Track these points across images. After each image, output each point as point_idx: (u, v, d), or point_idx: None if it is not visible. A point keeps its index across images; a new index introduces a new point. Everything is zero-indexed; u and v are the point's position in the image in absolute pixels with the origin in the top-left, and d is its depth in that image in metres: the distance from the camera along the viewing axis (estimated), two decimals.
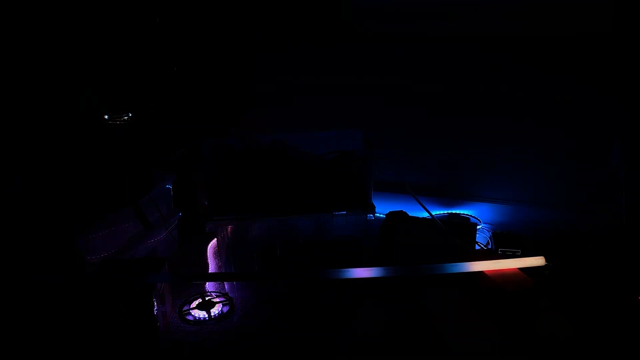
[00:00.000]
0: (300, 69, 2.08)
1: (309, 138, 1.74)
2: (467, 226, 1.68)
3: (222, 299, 1.49)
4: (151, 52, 1.94)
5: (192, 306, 1.46)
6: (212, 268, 1.70)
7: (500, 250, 1.64)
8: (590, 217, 1.78)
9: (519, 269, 1.38)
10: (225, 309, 1.45)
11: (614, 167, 1.73)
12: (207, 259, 1.74)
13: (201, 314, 1.42)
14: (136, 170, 1.62)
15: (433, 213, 1.62)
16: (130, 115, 1.90)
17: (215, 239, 1.73)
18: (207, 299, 1.49)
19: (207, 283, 1.59)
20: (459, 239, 1.57)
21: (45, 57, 1.70)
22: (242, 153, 1.65)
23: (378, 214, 1.79)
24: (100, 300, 1.25)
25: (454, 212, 1.97)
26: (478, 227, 1.88)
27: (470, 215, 1.95)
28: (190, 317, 1.42)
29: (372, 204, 1.55)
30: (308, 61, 2.07)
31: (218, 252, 1.71)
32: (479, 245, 1.75)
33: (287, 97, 2.12)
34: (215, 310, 1.44)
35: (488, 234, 1.85)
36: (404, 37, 1.89)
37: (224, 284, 1.57)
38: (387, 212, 1.82)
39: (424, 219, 1.73)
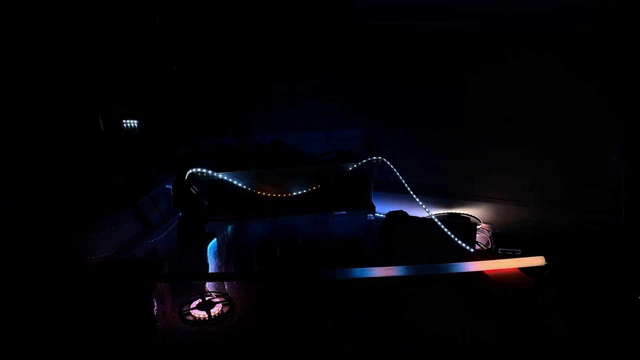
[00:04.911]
0: (300, 67, 2.08)
1: (309, 138, 1.74)
2: (467, 226, 1.68)
3: (222, 299, 1.49)
4: (151, 52, 1.93)
5: (192, 306, 1.46)
6: (212, 268, 1.70)
7: (500, 250, 1.64)
8: (590, 217, 1.78)
9: (519, 269, 1.38)
10: (225, 309, 1.45)
11: (614, 167, 1.73)
12: (207, 259, 1.74)
13: (201, 314, 1.43)
14: (136, 170, 1.62)
15: (433, 213, 1.62)
16: (129, 115, 1.90)
17: (215, 239, 1.74)
18: (207, 299, 1.49)
19: (207, 283, 1.59)
20: (459, 239, 1.57)
21: (44, 57, 1.70)
22: (242, 153, 1.65)
23: (378, 214, 1.79)
24: (100, 300, 1.25)
25: (454, 212, 1.97)
26: (478, 227, 1.88)
27: (470, 215, 1.95)
28: (190, 317, 1.42)
29: (372, 204, 1.55)
30: (308, 60, 2.07)
31: (218, 252, 1.71)
32: (479, 245, 1.75)
33: (287, 97, 2.12)
34: (215, 310, 1.44)
35: (488, 234, 1.85)
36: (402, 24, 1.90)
37: (224, 284, 1.57)
38: (387, 212, 1.82)
39: (424, 219, 1.73)
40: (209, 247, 1.79)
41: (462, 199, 1.98)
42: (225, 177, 1.44)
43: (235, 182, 1.45)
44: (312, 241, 1.58)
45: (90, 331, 1.23)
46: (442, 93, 1.91)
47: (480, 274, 1.38)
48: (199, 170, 1.43)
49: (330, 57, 2.02)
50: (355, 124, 1.80)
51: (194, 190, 1.51)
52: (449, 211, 1.98)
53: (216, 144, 1.70)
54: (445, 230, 1.56)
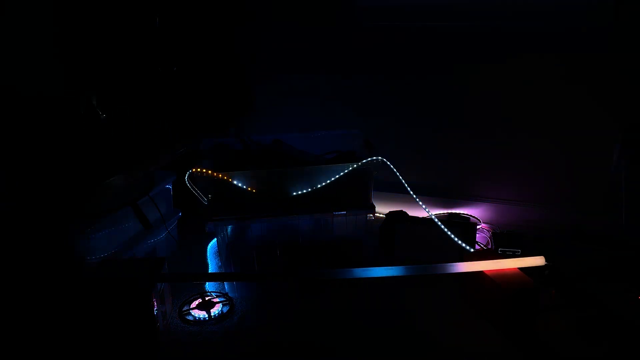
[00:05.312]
0: (300, 68, 2.08)
1: (309, 138, 1.74)
2: (467, 226, 1.68)
3: (222, 299, 1.49)
4: (150, 52, 1.93)
5: (192, 306, 1.46)
6: (212, 268, 1.70)
7: (500, 250, 1.64)
8: (590, 217, 1.78)
9: (519, 269, 1.38)
10: (225, 309, 1.45)
11: (614, 167, 1.73)
12: (207, 259, 1.74)
13: (201, 314, 1.43)
14: (136, 170, 1.62)
15: (433, 213, 1.62)
16: (129, 115, 1.90)
17: (215, 239, 1.74)
18: (207, 299, 1.49)
19: (207, 283, 1.59)
20: (459, 239, 1.57)
21: (44, 57, 1.70)
22: (242, 153, 1.65)
23: (378, 214, 1.79)
24: (100, 300, 1.25)
25: (454, 212, 1.97)
26: (478, 227, 1.88)
27: (470, 215, 1.95)
28: (190, 317, 1.42)
29: (372, 204, 1.55)
30: (308, 60, 2.07)
31: (218, 252, 1.71)
32: (479, 245, 1.75)
33: (287, 97, 2.12)
34: (215, 310, 1.44)
35: (488, 234, 1.85)
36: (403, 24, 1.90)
37: (224, 284, 1.57)
38: (387, 212, 1.82)
39: (424, 219, 1.73)
40: (209, 247, 1.79)
41: (462, 199, 1.98)
42: (225, 177, 1.44)
43: (235, 182, 1.45)
44: (312, 241, 1.58)
45: (90, 331, 1.23)
46: (442, 93, 1.91)
47: (480, 274, 1.38)
48: (199, 170, 1.43)
49: (330, 57, 2.02)
50: (355, 124, 1.80)
51: (204, 198, 1.51)
52: (449, 211, 1.98)
53: (216, 144, 1.70)
54: (445, 230, 1.56)
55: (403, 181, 1.57)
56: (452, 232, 1.56)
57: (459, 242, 1.54)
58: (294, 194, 1.48)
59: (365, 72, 1.99)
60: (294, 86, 2.10)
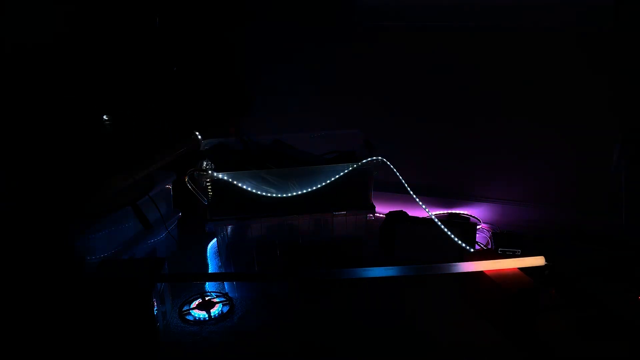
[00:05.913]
0: (300, 67, 2.08)
1: (309, 138, 1.74)
2: (467, 226, 1.68)
3: (222, 299, 1.49)
4: (151, 52, 1.94)
5: (192, 306, 1.46)
6: (212, 268, 1.70)
7: (500, 250, 1.64)
8: (590, 217, 1.78)
9: (519, 269, 1.38)
10: (225, 309, 1.45)
11: (614, 167, 1.73)
12: (207, 259, 1.74)
13: (201, 314, 1.43)
14: (136, 170, 1.62)
15: (433, 213, 1.62)
16: (130, 115, 1.90)
17: (215, 239, 1.74)
18: (207, 299, 1.49)
19: (207, 283, 1.59)
20: (459, 239, 1.57)
21: (45, 58, 1.70)
22: (242, 153, 1.65)
23: (378, 214, 1.79)
24: (100, 300, 1.25)
25: (454, 212, 1.97)
26: (478, 227, 1.88)
27: (470, 215, 1.95)
28: (190, 317, 1.42)
29: (372, 204, 1.55)
30: (308, 60, 2.06)
31: (218, 252, 1.71)
32: (479, 245, 1.75)
33: (287, 97, 2.12)
34: (215, 310, 1.44)
35: (488, 234, 1.85)
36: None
37: (224, 284, 1.57)
38: (387, 212, 1.82)
39: (424, 219, 1.73)
40: (209, 247, 1.79)
41: (462, 199, 1.98)
42: (225, 177, 1.44)
43: (235, 182, 1.45)
44: (312, 241, 1.57)
45: (90, 331, 1.23)
46: (442, 93, 1.91)
47: (480, 274, 1.38)
48: (199, 170, 1.43)
49: (330, 57, 2.02)
50: (355, 124, 1.80)
51: (204, 199, 1.50)
52: (449, 211, 1.98)
53: (216, 144, 1.70)
54: (445, 230, 1.56)
55: (403, 181, 1.57)
56: (452, 232, 1.56)
57: (459, 242, 1.54)
58: (294, 194, 1.48)
59: (365, 72, 1.99)
60: (294, 86, 2.10)
